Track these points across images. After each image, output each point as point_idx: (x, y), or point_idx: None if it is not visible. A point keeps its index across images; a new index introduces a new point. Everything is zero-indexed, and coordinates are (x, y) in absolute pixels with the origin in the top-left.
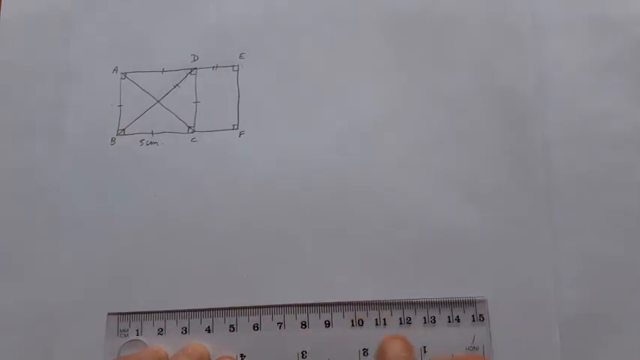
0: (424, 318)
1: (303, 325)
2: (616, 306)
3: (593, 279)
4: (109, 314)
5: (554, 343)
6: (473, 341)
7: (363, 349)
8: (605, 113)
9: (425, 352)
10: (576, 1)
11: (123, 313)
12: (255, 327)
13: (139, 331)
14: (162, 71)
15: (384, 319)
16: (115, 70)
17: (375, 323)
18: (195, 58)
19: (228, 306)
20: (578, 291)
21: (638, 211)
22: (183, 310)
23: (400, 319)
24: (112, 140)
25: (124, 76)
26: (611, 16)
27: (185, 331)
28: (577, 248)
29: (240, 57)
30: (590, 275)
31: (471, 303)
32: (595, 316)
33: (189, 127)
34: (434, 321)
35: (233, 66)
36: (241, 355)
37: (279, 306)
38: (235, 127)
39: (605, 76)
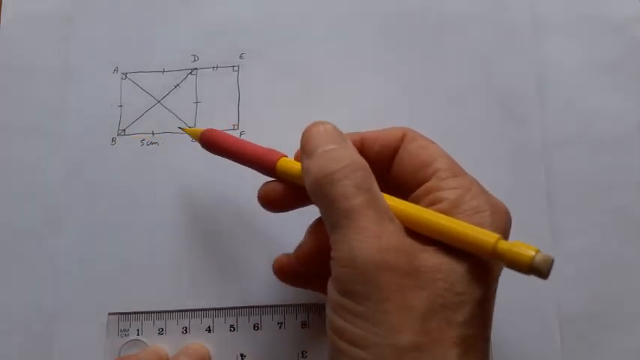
0: None
1: (304, 324)
2: (616, 306)
3: (593, 279)
4: (109, 314)
5: (554, 343)
6: None
7: None
8: (605, 113)
9: None
10: (576, 1)
11: (123, 313)
12: (256, 327)
13: (140, 331)
14: (163, 71)
15: None
16: (115, 70)
17: None
18: (196, 58)
19: (228, 306)
20: (578, 291)
21: (638, 211)
22: (184, 310)
23: None
24: (112, 140)
25: (124, 76)
26: (611, 16)
27: (185, 330)
28: (577, 248)
29: (240, 57)
30: (590, 275)
31: None
32: (595, 316)
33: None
34: None
35: (233, 66)
36: (241, 355)
37: (279, 306)
38: (235, 127)
39: (605, 76)
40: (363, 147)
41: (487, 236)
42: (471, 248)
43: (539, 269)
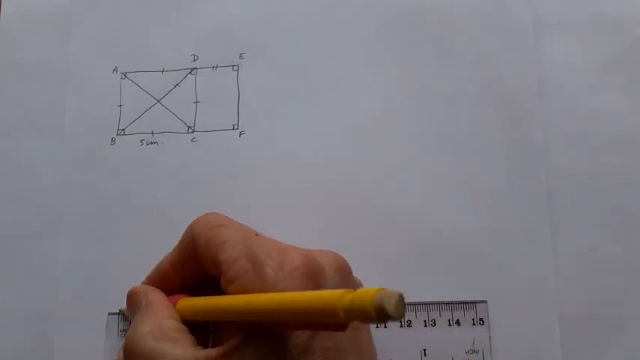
0: (424, 321)
1: None
2: (616, 306)
3: (593, 279)
4: (109, 314)
5: (554, 345)
6: (473, 344)
7: None
8: (605, 113)
9: (425, 354)
10: (576, 1)
11: (123, 313)
12: None
13: None
14: (162, 71)
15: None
16: (115, 70)
17: (374, 325)
18: (195, 58)
19: None
20: (578, 291)
21: (638, 211)
22: None
23: (400, 321)
24: (112, 140)
25: (124, 76)
26: (611, 16)
27: None
28: (577, 248)
29: (240, 57)
30: (590, 275)
31: (471, 305)
32: (595, 316)
33: (189, 127)
34: (434, 324)
35: (233, 66)
36: None
37: None
38: (235, 127)
39: (605, 76)
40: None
41: (330, 297)
42: (320, 316)
43: (384, 310)
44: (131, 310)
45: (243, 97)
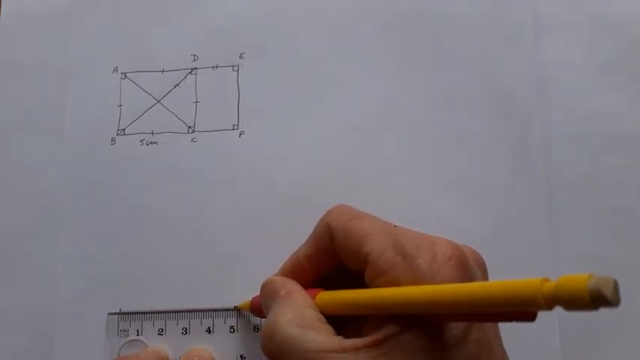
0: None
1: None
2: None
3: None
4: (109, 314)
5: (554, 345)
6: None
7: None
8: (605, 113)
9: None
10: (576, 1)
11: (123, 313)
12: (256, 328)
13: (139, 331)
14: (162, 71)
15: None
16: (115, 70)
17: None
18: (195, 58)
19: (228, 307)
20: None
21: (638, 211)
22: (184, 311)
23: None
24: (112, 140)
25: (124, 76)
26: (611, 16)
27: (185, 331)
28: (577, 248)
29: (240, 57)
30: None
31: None
32: (595, 316)
33: (189, 127)
34: None
35: (233, 66)
36: (241, 357)
37: None
38: (235, 127)
39: (605, 76)
40: (308, 263)
41: (528, 285)
42: (514, 304)
43: (601, 295)
44: (267, 300)
45: (243, 97)
